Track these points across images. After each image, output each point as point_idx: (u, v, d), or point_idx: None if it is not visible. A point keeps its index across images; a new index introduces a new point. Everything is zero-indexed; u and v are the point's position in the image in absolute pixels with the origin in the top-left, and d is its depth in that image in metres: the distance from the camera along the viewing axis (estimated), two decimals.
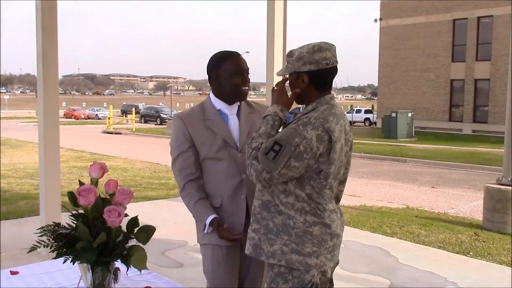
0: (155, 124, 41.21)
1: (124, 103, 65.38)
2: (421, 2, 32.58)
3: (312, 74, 2.10)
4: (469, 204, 9.56)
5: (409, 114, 26.98)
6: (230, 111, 2.53)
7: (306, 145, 1.97)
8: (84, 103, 72.90)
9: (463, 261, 5.29)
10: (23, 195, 8.73)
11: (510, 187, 6.83)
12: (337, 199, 2.26)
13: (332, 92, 2.20)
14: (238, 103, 2.56)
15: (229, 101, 2.52)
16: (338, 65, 2.17)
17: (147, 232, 1.78)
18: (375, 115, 40.13)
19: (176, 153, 2.49)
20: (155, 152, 18.10)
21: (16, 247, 5.12)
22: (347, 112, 41.87)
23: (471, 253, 5.60)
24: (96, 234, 1.69)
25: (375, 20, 35.28)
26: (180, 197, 2.53)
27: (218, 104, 2.53)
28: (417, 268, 4.89)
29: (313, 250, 2.05)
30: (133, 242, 1.80)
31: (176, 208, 7.20)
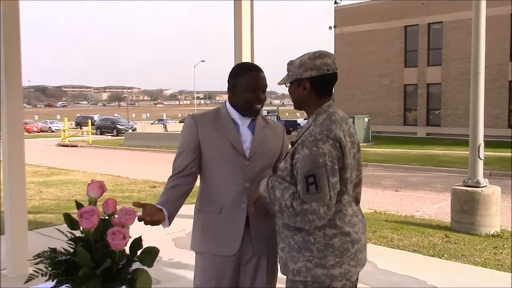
0: (111, 135, 40.41)
1: (78, 114, 64.03)
2: (374, 9, 33.32)
3: (313, 80, 2.15)
4: (433, 206, 9.73)
5: (366, 119, 27.44)
6: (243, 122, 2.50)
7: (330, 159, 2.01)
8: (36, 116, 70.75)
9: (439, 263, 5.34)
10: None
11: (476, 189, 6.98)
12: (357, 201, 2.31)
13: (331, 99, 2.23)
14: (253, 117, 2.52)
15: (242, 113, 2.49)
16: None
17: (152, 253, 1.66)
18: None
19: (180, 150, 2.50)
20: (115, 165, 17.69)
21: None
22: (304, 119, 42.34)
23: (445, 256, 5.67)
24: (98, 259, 1.56)
25: (330, 27, 35.82)
26: None
27: (233, 112, 2.51)
28: (396, 273, 4.89)
29: (336, 261, 2.07)
30: (135, 265, 1.68)
31: None
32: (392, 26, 32.59)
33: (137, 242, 1.63)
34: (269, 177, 2.22)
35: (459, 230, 6.98)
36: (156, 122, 60.64)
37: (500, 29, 26.79)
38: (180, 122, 58.98)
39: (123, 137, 32.26)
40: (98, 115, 61.80)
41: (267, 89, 2.51)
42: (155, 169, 16.17)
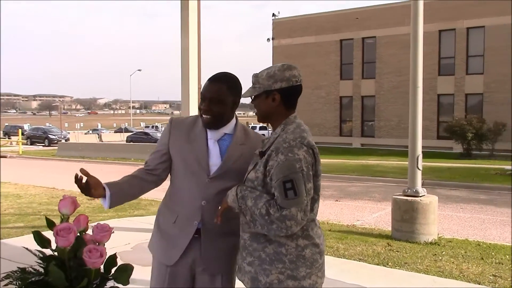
0: (43, 145, 38.83)
1: (6, 124, 61.08)
2: (310, 23, 34.11)
3: (283, 92, 2.17)
4: (372, 215, 10.01)
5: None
6: (211, 135, 2.42)
7: (306, 164, 2.03)
8: None
9: (386, 272, 5.48)
10: None
11: (415, 198, 7.25)
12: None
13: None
14: (229, 131, 2.44)
15: None
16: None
17: (127, 271, 1.60)
18: (270, 131, 41.16)
19: (154, 149, 2.51)
20: (48, 176, 16.99)
21: None
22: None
23: (389, 264, 5.83)
24: (74, 278, 1.48)
25: (268, 39, 36.29)
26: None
27: None
28: (345, 282, 4.97)
29: (306, 272, 2.08)
30: (110, 283, 1.61)
31: None
32: (328, 40, 33.49)
33: (112, 259, 1.56)
34: (237, 187, 2.18)
35: (399, 238, 7.21)
36: (91, 132, 58.90)
37: (428, 45, 28.11)
38: (116, 132, 57.58)
39: (55, 148, 31.13)
40: (28, 124, 59.30)
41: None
42: None
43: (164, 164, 2.46)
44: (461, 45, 28.60)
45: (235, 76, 2.48)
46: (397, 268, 5.67)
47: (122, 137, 46.30)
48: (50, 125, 55.27)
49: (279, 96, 2.17)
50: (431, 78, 28.10)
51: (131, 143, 35.24)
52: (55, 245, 1.53)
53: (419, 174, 7.44)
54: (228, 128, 2.44)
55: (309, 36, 34.28)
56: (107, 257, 1.58)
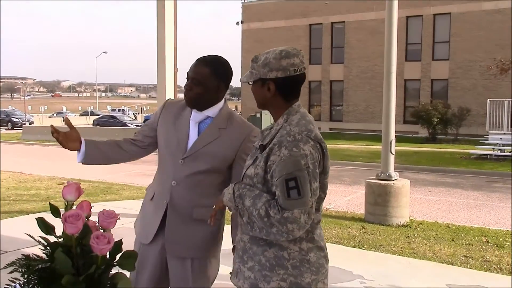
0: (6, 129, 37.79)
1: None
2: (280, 7, 34.02)
3: (279, 82, 1.96)
4: (344, 198, 10.17)
5: None
6: (194, 116, 2.42)
7: (312, 161, 1.84)
8: None
9: (361, 254, 5.60)
10: None
11: (388, 182, 7.39)
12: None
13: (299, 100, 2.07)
14: (212, 114, 2.42)
15: None
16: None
17: (132, 257, 1.59)
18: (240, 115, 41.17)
19: (146, 122, 2.61)
20: (14, 160, 16.60)
21: None
22: None
23: (365, 246, 5.95)
24: (81, 265, 1.47)
25: (237, 22, 36.05)
26: None
27: None
28: None
29: (312, 278, 1.89)
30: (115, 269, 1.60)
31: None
32: (298, 24, 33.48)
33: (118, 246, 1.55)
34: (234, 184, 1.98)
35: (373, 221, 7.35)
36: (55, 115, 57.64)
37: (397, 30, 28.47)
38: (81, 115, 56.52)
39: (19, 131, 30.39)
40: None
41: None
42: (60, 164, 15.42)
43: (150, 139, 2.50)
44: (428, 31, 29.05)
45: (225, 61, 2.46)
46: (373, 250, 5.80)
47: (88, 121, 45.50)
48: (13, 108, 53.81)
49: (274, 86, 1.97)
50: (398, 63, 28.05)
51: (98, 126, 34.70)
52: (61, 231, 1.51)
53: (392, 158, 7.59)
54: (212, 111, 2.42)
55: (278, 20, 34.19)
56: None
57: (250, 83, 2.06)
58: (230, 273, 2.10)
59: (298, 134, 1.86)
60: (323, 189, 1.94)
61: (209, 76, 2.34)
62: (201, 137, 2.37)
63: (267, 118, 27.42)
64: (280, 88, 1.98)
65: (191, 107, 2.41)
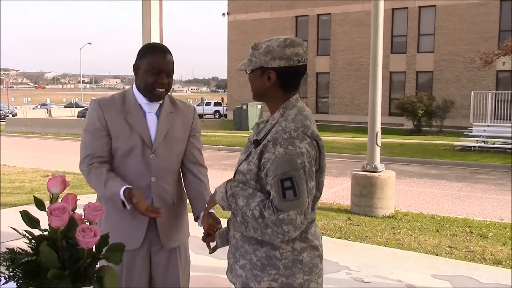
0: None
1: None
2: None
3: (281, 71, 1.87)
4: (330, 190, 10.20)
5: (259, 106, 28.05)
6: (150, 108, 2.36)
7: (308, 159, 1.76)
8: None
9: (348, 245, 5.64)
10: None
11: (374, 174, 7.43)
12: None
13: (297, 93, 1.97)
14: (160, 102, 2.39)
15: (147, 98, 2.35)
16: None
17: (118, 250, 1.57)
18: (225, 108, 41.09)
19: (88, 136, 2.32)
20: None
21: None
22: (197, 105, 42.22)
23: (351, 237, 5.99)
24: (67, 258, 1.45)
25: (223, 14, 35.87)
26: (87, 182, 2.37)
27: (140, 97, 2.37)
28: None
29: (304, 279, 1.83)
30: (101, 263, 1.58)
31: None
32: (284, 16, 33.41)
33: (104, 239, 1.53)
34: (226, 182, 1.91)
35: (358, 212, 7.40)
36: (39, 107, 57.01)
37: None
38: (66, 107, 55.98)
39: (2, 123, 29.99)
40: None
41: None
42: (43, 157, 15.27)
43: (109, 148, 2.33)
44: (413, 23, 29.18)
45: None
46: (359, 241, 5.84)
47: (72, 112, 45.09)
48: None
49: (275, 75, 1.88)
50: (383, 56, 28.24)
51: (83, 118, 34.38)
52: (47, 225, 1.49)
53: (378, 150, 7.63)
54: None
55: (264, 12, 34.08)
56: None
57: (248, 71, 1.98)
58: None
59: (294, 131, 1.78)
60: (319, 187, 1.88)
61: (173, 63, 2.37)
62: (160, 126, 2.35)
63: (253, 111, 27.51)
64: (280, 78, 1.89)
65: (159, 100, 2.36)
